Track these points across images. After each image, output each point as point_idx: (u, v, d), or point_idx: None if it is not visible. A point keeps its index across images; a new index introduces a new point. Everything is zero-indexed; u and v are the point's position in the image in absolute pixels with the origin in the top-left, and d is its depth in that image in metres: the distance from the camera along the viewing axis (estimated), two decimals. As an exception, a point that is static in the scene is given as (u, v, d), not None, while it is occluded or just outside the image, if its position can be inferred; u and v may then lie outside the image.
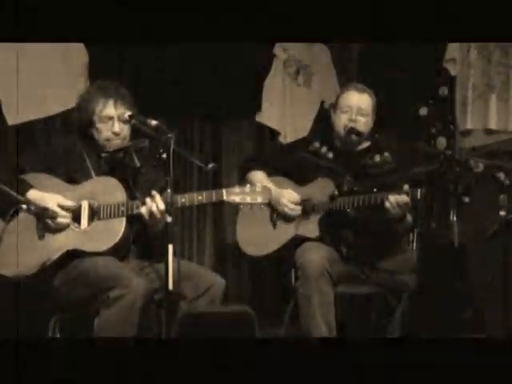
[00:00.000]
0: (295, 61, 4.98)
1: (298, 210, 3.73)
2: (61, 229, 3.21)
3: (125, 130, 3.33)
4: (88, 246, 3.20)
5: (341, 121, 3.74)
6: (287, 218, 3.76)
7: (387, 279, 3.63)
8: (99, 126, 3.33)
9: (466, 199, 3.30)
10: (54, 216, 3.17)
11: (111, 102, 3.32)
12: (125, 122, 3.31)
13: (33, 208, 3.04)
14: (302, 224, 3.72)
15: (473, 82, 4.80)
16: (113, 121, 3.31)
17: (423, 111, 4.96)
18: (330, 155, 3.81)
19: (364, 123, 3.72)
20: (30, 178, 3.28)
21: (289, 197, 3.72)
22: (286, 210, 3.73)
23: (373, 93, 3.78)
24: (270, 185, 3.63)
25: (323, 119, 4.57)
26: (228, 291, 3.41)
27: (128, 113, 3.28)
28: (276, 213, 3.78)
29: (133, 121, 3.26)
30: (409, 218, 3.58)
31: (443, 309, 4.25)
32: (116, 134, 3.32)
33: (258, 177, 3.81)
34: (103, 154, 3.35)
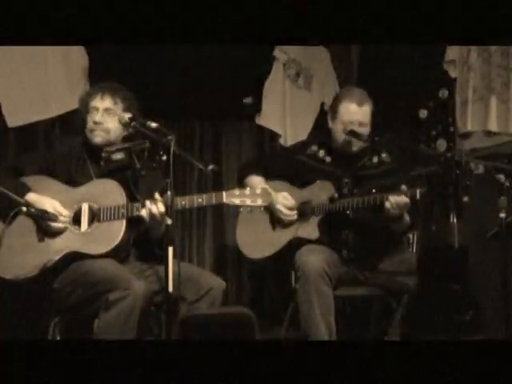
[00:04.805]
0: (295, 63, 4.98)
1: (293, 215, 3.73)
2: (60, 231, 3.22)
3: (108, 122, 3.36)
4: (88, 249, 3.20)
5: (340, 129, 3.71)
6: (284, 222, 3.76)
7: (387, 281, 3.63)
8: (86, 116, 3.38)
9: (466, 201, 3.30)
10: (53, 218, 3.17)
11: (99, 94, 3.37)
12: (109, 113, 3.33)
13: (33, 210, 3.04)
14: (301, 226, 3.72)
15: (473, 84, 4.79)
16: (97, 111, 3.35)
17: (423, 113, 4.96)
18: (328, 159, 3.81)
19: (364, 131, 3.70)
20: (29, 180, 3.29)
21: (283, 202, 3.72)
22: (281, 216, 3.74)
23: (370, 99, 3.71)
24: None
25: (323, 122, 4.57)
26: (228, 293, 3.41)
27: (128, 115, 3.29)
28: (274, 216, 3.78)
29: (133, 123, 3.27)
30: (406, 217, 3.58)
31: (443, 310, 4.25)
32: (96, 124, 3.34)
33: (256, 182, 3.80)
34: (103, 154, 3.35)
